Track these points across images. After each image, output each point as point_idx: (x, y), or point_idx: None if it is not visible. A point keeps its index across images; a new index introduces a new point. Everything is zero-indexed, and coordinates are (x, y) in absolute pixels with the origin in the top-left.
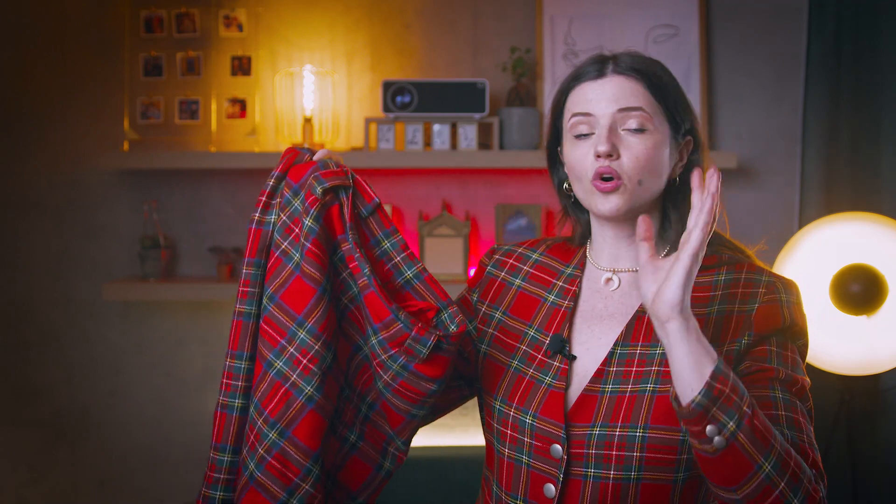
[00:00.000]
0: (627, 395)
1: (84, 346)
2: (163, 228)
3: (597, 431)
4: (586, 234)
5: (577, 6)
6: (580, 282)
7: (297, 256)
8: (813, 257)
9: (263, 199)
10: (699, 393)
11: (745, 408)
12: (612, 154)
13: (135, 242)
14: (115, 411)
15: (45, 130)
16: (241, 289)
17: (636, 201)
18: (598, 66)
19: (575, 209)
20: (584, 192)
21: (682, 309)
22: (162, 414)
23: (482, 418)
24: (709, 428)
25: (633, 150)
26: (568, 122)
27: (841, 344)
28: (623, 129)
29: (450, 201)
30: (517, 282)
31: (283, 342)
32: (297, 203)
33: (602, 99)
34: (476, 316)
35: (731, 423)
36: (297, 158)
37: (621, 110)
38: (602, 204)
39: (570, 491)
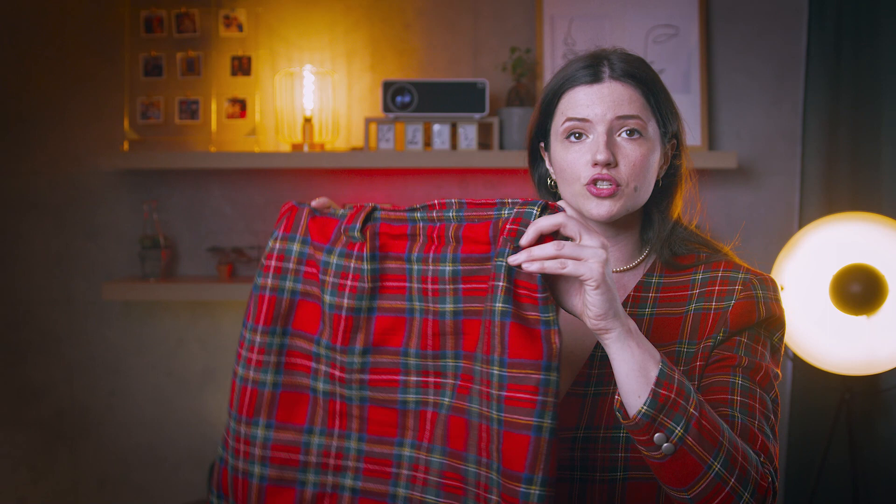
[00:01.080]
0: (610, 396)
1: (84, 346)
2: (163, 228)
3: (581, 434)
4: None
5: (577, 6)
6: None
7: (364, 304)
8: (813, 257)
9: (274, 262)
10: (645, 403)
11: (692, 410)
12: (611, 162)
13: (135, 242)
14: (115, 411)
15: (45, 130)
16: (251, 356)
17: (629, 206)
18: (593, 71)
19: None
20: (574, 195)
21: (614, 315)
22: (162, 414)
23: None
24: (657, 436)
25: (630, 157)
26: (561, 126)
27: (841, 344)
28: (618, 135)
29: None
30: None
31: (402, 377)
32: (335, 260)
33: (599, 105)
34: None
35: (678, 429)
36: (297, 214)
37: (619, 118)
38: (596, 208)
39: (557, 494)
